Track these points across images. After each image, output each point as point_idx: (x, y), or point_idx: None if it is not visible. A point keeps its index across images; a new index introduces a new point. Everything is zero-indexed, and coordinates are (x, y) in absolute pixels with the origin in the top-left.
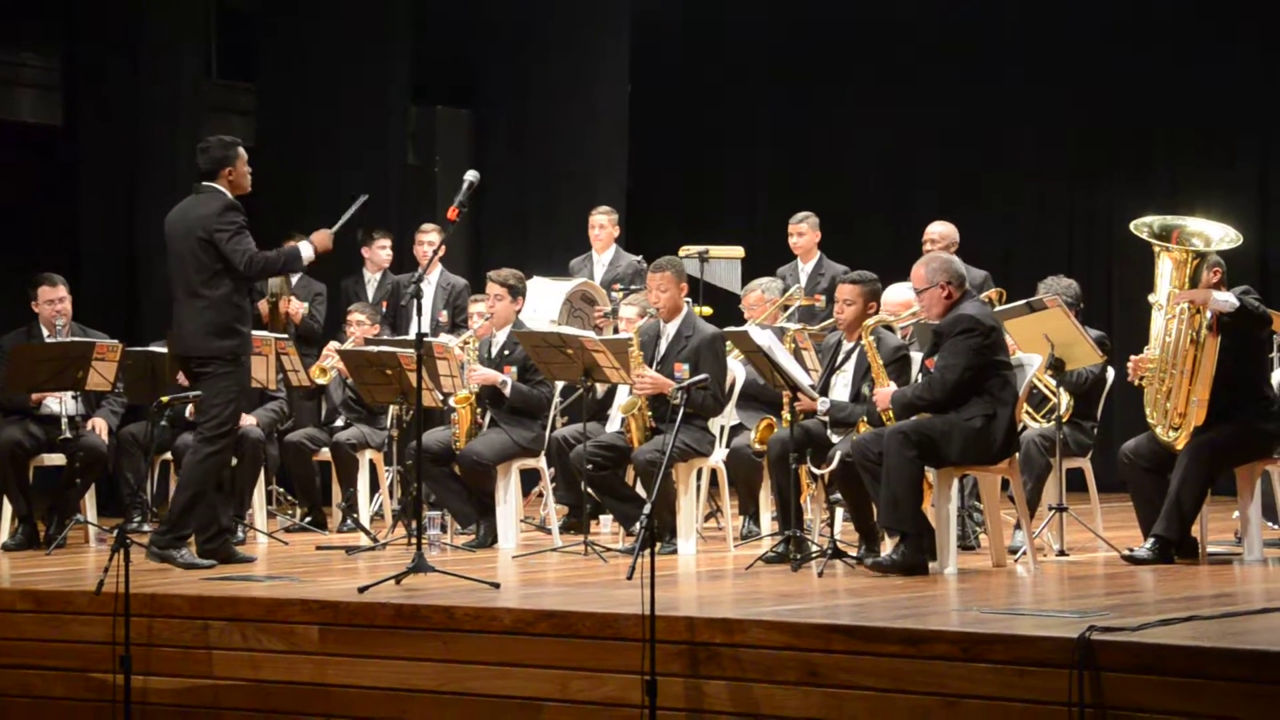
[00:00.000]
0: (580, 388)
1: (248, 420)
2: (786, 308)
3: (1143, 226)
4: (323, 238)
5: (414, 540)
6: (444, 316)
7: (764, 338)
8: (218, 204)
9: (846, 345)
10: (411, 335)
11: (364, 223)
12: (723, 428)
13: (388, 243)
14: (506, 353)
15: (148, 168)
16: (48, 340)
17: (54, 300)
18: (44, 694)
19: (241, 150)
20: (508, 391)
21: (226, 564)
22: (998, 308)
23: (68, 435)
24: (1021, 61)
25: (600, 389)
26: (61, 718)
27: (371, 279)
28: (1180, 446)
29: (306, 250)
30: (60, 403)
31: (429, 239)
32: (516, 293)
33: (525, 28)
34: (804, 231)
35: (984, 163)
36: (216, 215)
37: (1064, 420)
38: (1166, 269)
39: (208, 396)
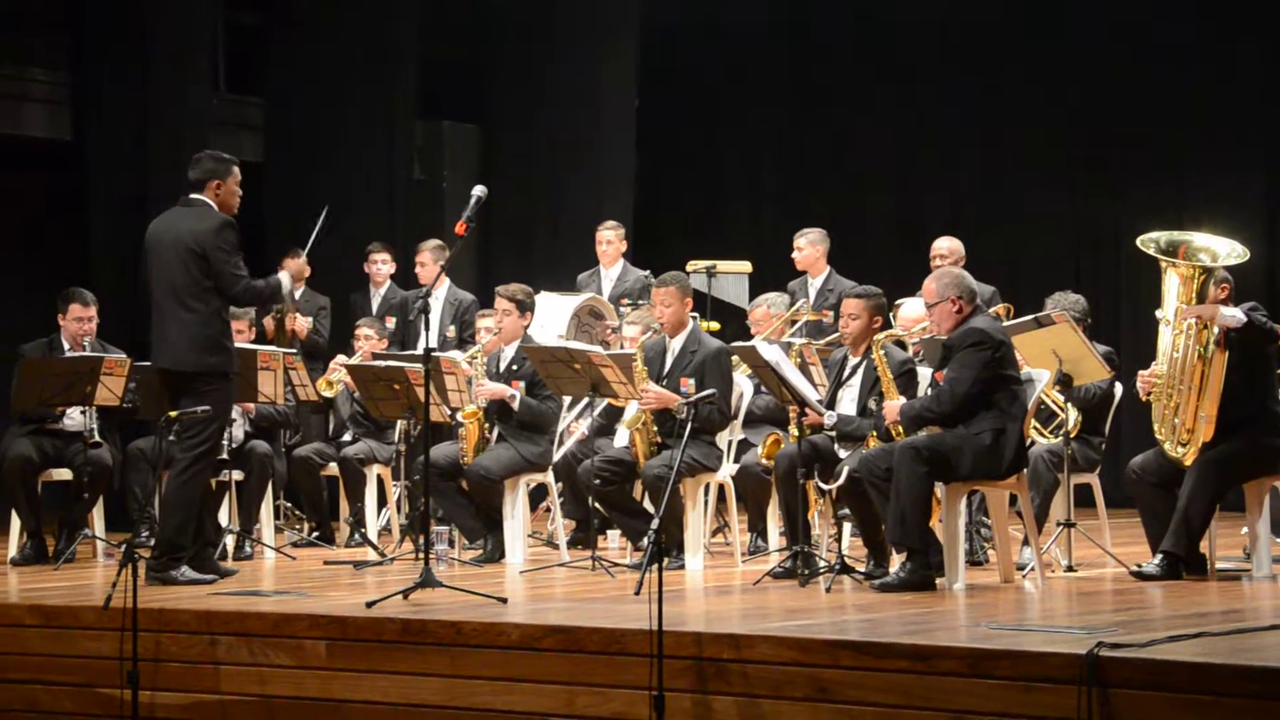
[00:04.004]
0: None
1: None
2: (794, 322)
3: (1149, 242)
4: (296, 266)
5: (421, 555)
6: (451, 332)
7: (771, 353)
8: (214, 220)
9: (853, 360)
10: (420, 351)
11: (349, 237)
12: (730, 443)
13: (385, 257)
14: (515, 368)
15: (156, 182)
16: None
17: (83, 319)
18: (51, 709)
19: (236, 171)
20: (517, 405)
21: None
22: (1005, 323)
23: (99, 441)
24: (1028, 73)
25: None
26: None
27: (376, 294)
28: (1188, 462)
29: (285, 280)
30: (86, 414)
31: (421, 259)
32: (525, 308)
33: (531, 43)
34: (802, 247)
35: (991, 176)
36: (214, 232)
37: (1072, 436)
38: (1174, 284)
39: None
